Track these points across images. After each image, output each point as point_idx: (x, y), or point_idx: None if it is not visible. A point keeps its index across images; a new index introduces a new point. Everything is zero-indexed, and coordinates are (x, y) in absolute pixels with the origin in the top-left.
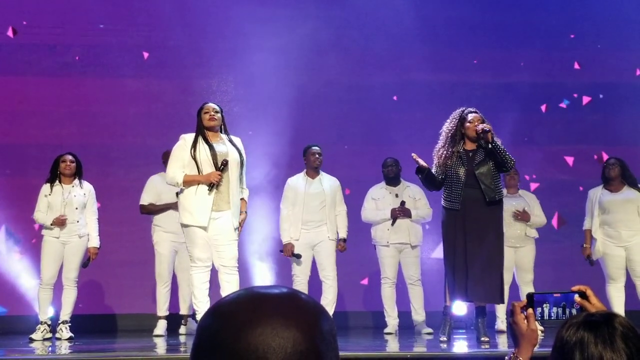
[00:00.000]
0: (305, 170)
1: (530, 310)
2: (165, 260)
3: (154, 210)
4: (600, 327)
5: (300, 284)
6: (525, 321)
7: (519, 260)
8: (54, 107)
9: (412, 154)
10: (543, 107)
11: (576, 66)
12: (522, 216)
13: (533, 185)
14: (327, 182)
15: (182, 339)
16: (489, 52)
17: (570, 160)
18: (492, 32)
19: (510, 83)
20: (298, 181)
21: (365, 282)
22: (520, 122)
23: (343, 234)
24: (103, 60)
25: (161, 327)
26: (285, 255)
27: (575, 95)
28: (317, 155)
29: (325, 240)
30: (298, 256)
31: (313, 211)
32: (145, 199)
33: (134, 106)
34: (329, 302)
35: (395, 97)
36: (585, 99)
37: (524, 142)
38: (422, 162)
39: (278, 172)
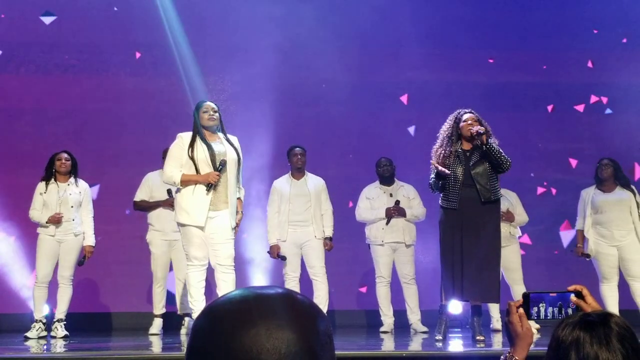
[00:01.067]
0: (290, 171)
1: (521, 310)
2: (159, 259)
3: (145, 206)
4: (596, 327)
5: (292, 282)
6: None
7: (505, 260)
8: (49, 105)
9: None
10: (549, 107)
11: (589, 65)
12: (507, 216)
13: (540, 189)
14: (312, 182)
15: (177, 337)
16: (487, 51)
17: (574, 162)
18: (490, 31)
19: (511, 82)
20: (283, 183)
21: (364, 290)
22: (527, 123)
23: (329, 232)
24: (98, 58)
25: (156, 325)
26: (271, 257)
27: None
28: (299, 156)
29: (312, 239)
30: (283, 258)
31: (299, 212)
32: (139, 195)
33: (129, 104)
34: (321, 300)
35: (402, 98)
36: (594, 99)
37: (530, 144)
38: (442, 169)
39: (274, 171)
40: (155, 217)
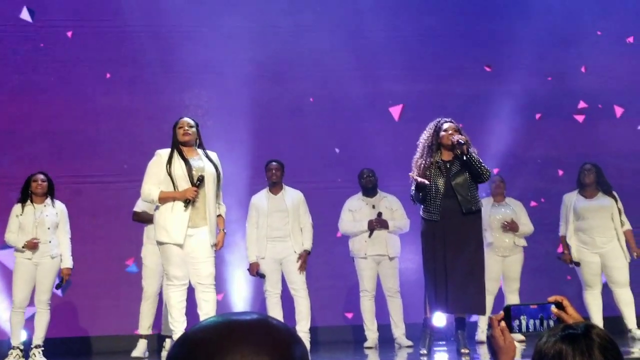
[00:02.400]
0: (268, 186)
1: (503, 324)
2: (151, 275)
3: (146, 218)
4: (578, 339)
5: (273, 299)
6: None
7: (507, 269)
8: (24, 125)
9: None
10: (537, 116)
11: (583, 70)
12: (511, 226)
13: (533, 203)
14: (290, 197)
15: None
16: (467, 60)
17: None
18: (477, 39)
19: (497, 91)
20: (261, 198)
21: (350, 315)
22: (515, 132)
23: (307, 246)
24: (73, 77)
25: (141, 348)
26: (250, 274)
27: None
28: (273, 171)
29: (291, 254)
30: (262, 276)
31: (277, 227)
32: (140, 205)
33: (105, 123)
34: (303, 315)
35: (391, 109)
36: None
37: (519, 152)
38: (422, 180)
39: (254, 186)
40: (152, 230)
